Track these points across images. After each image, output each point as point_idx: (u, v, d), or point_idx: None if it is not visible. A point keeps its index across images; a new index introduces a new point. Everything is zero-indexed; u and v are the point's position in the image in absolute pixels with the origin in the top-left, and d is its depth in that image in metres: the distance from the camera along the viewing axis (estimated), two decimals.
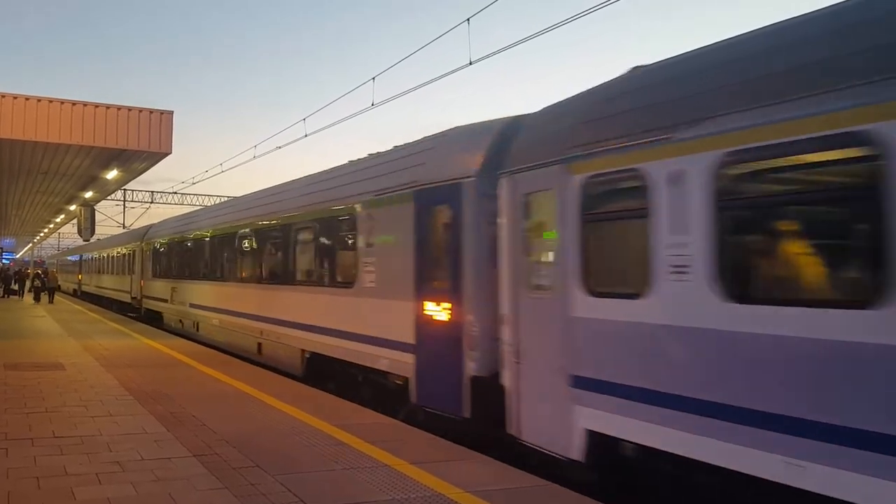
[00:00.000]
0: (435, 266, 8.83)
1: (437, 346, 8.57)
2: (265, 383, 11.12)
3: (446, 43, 13.24)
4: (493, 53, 12.00)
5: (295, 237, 13.20)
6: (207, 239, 18.80)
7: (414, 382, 8.93)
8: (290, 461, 6.56)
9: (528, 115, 8.16)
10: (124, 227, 46.93)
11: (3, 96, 14.49)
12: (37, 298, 37.66)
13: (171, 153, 16.17)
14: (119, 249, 33.31)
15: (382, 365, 9.73)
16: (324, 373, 11.81)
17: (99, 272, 40.84)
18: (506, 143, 7.87)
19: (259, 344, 14.60)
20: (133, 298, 28.92)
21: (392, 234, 9.68)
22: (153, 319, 24.38)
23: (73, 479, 5.92)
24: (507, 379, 7.33)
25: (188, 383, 11.07)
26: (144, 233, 28.24)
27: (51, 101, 14.89)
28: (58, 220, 38.35)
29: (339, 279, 11.44)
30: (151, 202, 49.60)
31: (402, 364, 9.22)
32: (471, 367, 8.00)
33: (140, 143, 15.55)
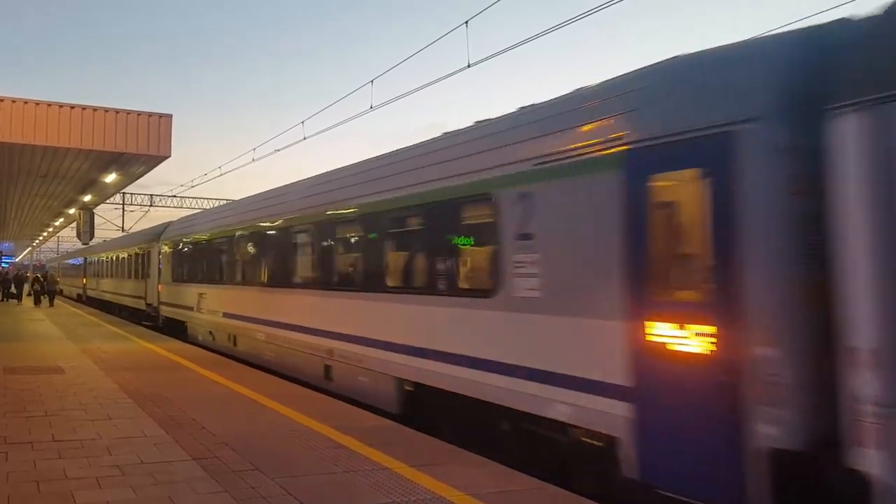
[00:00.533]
0: (673, 267, 5.88)
1: (683, 393, 5.50)
2: (264, 386, 11.11)
3: (445, 45, 13.26)
4: (492, 56, 12.02)
5: (389, 228, 10.03)
6: (250, 235, 15.28)
7: (632, 447, 5.87)
8: (290, 464, 6.56)
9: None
10: (123, 230, 46.92)
11: (2, 99, 14.49)
12: (37, 302, 37.68)
13: (170, 156, 16.17)
14: (130, 250, 29.94)
15: (560, 413, 6.64)
16: (437, 412, 8.72)
17: (107, 276, 37.31)
18: (834, 59, 4.81)
19: (327, 367, 11.36)
20: (148, 305, 25.63)
21: (573, 220, 6.61)
22: (174, 329, 21.36)
23: (73, 482, 5.91)
24: (874, 463, 4.33)
25: (187, 386, 11.06)
26: (161, 231, 24.71)
27: (49, 104, 14.89)
28: (56, 223, 38.32)
29: (466, 285, 8.33)
30: (151, 205, 49.70)
31: (602, 416, 6.15)
32: (766, 434, 4.98)
33: (139, 146, 15.55)
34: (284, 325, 13.00)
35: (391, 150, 10.89)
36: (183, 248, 20.97)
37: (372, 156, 11.48)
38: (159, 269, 23.81)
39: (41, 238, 57.09)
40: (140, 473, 6.19)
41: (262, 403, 9.64)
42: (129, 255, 30.09)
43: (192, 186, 49.23)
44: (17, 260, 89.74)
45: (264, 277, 14.48)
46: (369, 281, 10.29)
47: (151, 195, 49.66)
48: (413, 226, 9.48)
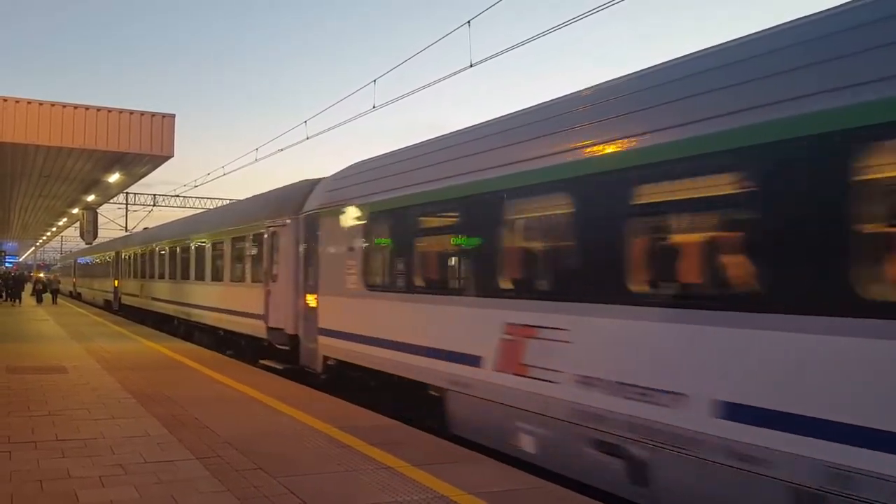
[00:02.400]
0: None
1: None
2: (267, 386, 11.13)
3: (447, 45, 13.26)
4: (495, 55, 12.02)
5: None
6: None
7: None
8: (293, 463, 6.57)
9: None
10: (127, 230, 47.01)
11: (6, 100, 14.56)
12: (39, 300, 37.76)
13: (173, 156, 16.25)
14: (217, 234, 18.45)
15: None
16: None
17: (162, 276, 24.84)
18: None
19: None
20: (272, 331, 13.99)
21: None
22: (353, 388, 10.80)
23: (77, 481, 5.93)
24: None
25: (190, 386, 11.08)
26: (303, 196, 13.29)
27: (53, 104, 14.96)
28: (60, 223, 38.44)
29: None
30: (154, 205, 49.90)
31: None
32: None
33: (142, 146, 15.64)
34: None
35: None
36: (397, 225, 9.77)
37: None
38: (306, 266, 12.80)
39: (45, 238, 57.21)
40: (143, 472, 6.20)
41: (266, 403, 9.65)
42: (216, 243, 18.60)
43: (196, 186, 49.30)
44: (20, 259, 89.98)
45: None
46: None
47: (154, 195, 50.02)
48: None
